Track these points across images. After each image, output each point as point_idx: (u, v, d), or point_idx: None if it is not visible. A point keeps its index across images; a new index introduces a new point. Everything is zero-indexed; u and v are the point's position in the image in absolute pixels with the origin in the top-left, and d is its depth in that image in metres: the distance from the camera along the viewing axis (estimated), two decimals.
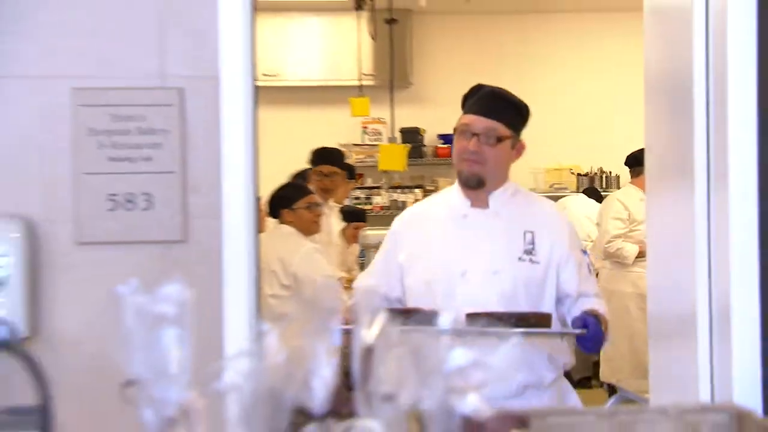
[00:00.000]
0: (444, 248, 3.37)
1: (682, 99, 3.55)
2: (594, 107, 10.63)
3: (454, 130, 3.70)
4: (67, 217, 3.69)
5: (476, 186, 3.50)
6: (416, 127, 10.86)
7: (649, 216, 4.57)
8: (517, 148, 3.64)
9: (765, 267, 3.11)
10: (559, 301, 3.63)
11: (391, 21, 10.62)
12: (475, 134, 3.46)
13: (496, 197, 3.52)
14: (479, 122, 3.48)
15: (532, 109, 10.95)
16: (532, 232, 3.40)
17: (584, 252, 3.73)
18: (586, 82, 10.85)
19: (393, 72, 10.92)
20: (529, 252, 3.31)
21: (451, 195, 3.74)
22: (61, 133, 3.69)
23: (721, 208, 3.24)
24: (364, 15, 9.58)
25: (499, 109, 3.53)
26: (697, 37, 3.35)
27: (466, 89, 11.52)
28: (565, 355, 3.63)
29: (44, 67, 3.74)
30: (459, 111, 10.59)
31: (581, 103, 10.86)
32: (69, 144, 3.68)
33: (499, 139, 3.45)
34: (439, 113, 11.02)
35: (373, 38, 11.02)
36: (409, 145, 9.91)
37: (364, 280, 3.89)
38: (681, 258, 3.71)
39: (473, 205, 3.53)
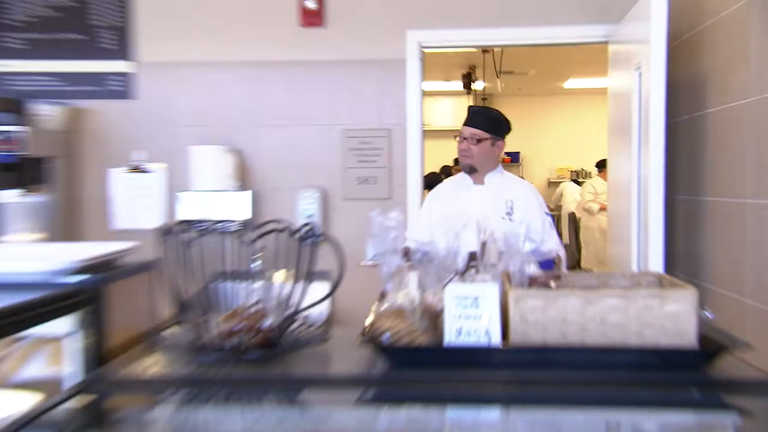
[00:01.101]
0: (453, 210, 3.05)
1: (627, 136, 3.66)
2: (582, 139, 10.56)
3: (455, 137, 3.36)
4: (338, 187, 4.30)
5: (470, 171, 3.26)
6: None
7: (609, 191, 4.66)
8: (497, 146, 3.27)
9: (667, 223, 3.23)
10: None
11: (484, 98, 11.08)
12: (464, 138, 3.23)
13: (490, 177, 3.24)
14: (466, 130, 3.22)
15: (556, 143, 11.73)
16: (512, 200, 3.14)
17: (548, 214, 3.38)
18: (578, 128, 10.75)
19: None
20: (509, 213, 3.10)
21: (462, 177, 3.38)
22: (337, 150, 4.29)
23: (644, 191, 3.34)
24: (471, 96, 10.26)
25: (479, 120, 3.23)
26: (634, 106, 3.49)
27: (522, 133, 11.53)
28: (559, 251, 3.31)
29: (330, 119, 4.30)
30: (514, 142, 10.43)
31: (575, 137, 10.91)
32: (340, 155, 4.28)
33: (479, 140, 3.18)
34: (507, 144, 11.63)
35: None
36: None
37: (411, 230, 3.39)
38: (624, 213, 3.80)
39: (475, 182, 3.27)
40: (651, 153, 3.25)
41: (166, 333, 1.37)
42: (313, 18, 4.29)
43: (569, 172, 11.39)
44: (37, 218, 3.88)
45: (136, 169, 4.25)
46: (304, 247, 1.35)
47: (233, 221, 4.00)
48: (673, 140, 3.28)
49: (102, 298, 1.23)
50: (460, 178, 3.41)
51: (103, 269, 1.32)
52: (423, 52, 4.35)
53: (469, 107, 3.61)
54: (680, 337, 1.16)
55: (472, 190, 3.27)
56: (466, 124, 3.28)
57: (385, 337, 1.21)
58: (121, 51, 4.35)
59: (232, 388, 1.22)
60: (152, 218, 4.15)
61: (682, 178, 3.50)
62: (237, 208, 4.13)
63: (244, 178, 4.31)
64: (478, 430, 1.16)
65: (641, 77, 3.43)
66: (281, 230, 1.38)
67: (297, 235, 1.36)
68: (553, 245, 3.26)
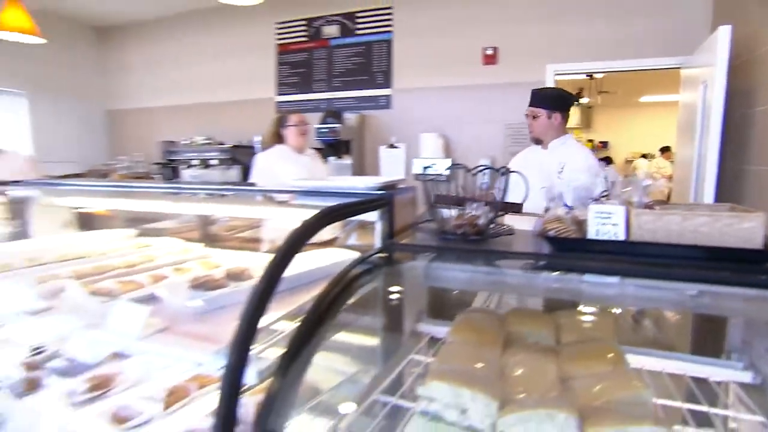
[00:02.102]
0: (526, 168, 1.92)
1: (692, 128, 3.16)
2: (648, 133, 9.23)
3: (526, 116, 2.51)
4: (501, 157, 4.02)
5: (535, 142, 2.45)
6: (591, 139, 10.13)
7: (676, 164, 4.12)
8: (554, 117, 2.36)
9: (718, 183, 2.84)
10: None
11: (589, 107, 9.73)
12: (528, 116, 2.40)
13: (552, 144, 2.38)
14: (528, 109, 2.40)
15: (632, 135, 10.08)
16: (564, 163, 2.32)
17: (601, 175, 1.90)
18: (647, 127, 9.45)
19: (589, 124, 10.14)
20: (560, 172, 2.31)
21: (535, 146, 2.47)
22: (500, 135, 4.06)
23: (703, 162, 2.95)
24: (579, 107, 9.19)
25: (534, 99, 2.39)
26: (699, 109, 3.01)
27: (611, 130, 10.34)
28: None
29: (497, 117, 4.06)
30: (605, 135, 9.42)
31: (644, 132, 9.53)
32: (502, 138, 4.05)
33: (535, 116, 2.37)
34: (600, 137, 10.14)
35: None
36: (590, 144, 9.50)
37: None
38: (686, 179, 3.38)
39: (542, 148, 2.41)
40: (710, 138, 2.79)
41: (422, 225, 1.37)
42: (490, 59, 4.10)
43: (640, 154, 9.97)
44: (344, 172, 4.10)
45: (391, 146, 4.29)
46: (502, 177, 1.25)
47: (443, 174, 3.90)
48: (728, 129, 2.82)
49: (392, 203, 1.25)
50: (534, 148, 2.59)
51: (390, 189, 1.33)
52: (555, 78, 3.98)
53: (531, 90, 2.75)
54: (751, 243, 0.99)
55: (539, 153, 2.48)
56: (529, 105, 2.46)
57: (552, 232, 1.14)
58: (386, 83, 4.46)
59: (459, 255, 1.20)
60: (399, 173, 4.20)
61: (732, 154, 2.96)
62: (444, 169, 4.06)
63: (447, 152, 4.23)
64: (605, 287, 1.09)
65: (706, 90, 2.92)
66: (491, 168, 1.30)
67: (500, 171, 1.27)
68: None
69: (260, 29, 4.88)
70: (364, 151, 4.49)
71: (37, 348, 1.46)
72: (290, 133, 2.82)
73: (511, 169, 1.27)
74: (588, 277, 1.15)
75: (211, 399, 1.19)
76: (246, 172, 4.36)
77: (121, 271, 1.35)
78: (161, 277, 1.24)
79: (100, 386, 1.21)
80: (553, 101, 2.37)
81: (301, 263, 1.31)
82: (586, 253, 1.12)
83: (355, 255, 1.31)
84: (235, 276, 1.16)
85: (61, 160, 5.42)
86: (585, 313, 1.18)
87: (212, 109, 5.21)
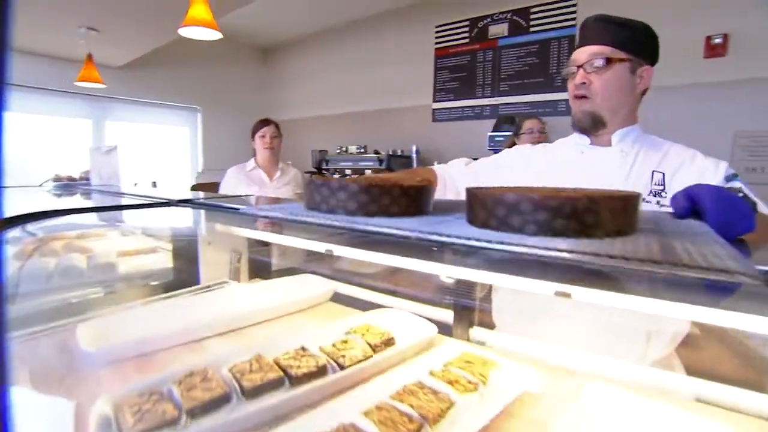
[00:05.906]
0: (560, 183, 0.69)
1: None
2: None
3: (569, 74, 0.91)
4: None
5: (592, 127, 0.89)
6: None
7: None
8: (641, 74, 0.85)
9: None
10: None
11: None
12: (579, 66, 0.86)
13: (622, 134, 0.89)
14: (581, 53, 0.86)
15: None
16: (662, 173, 0.83)
17: (732, 178, 0.81)
18: None
19: None
20: (657, 194, 0.81)
21: (575, 139, 0.96)
22: (724, 147, 2.72)
23: None
24: None
25: (603, 31, 0.83)
26: None
27: None
28: None
29: (713, 124, 2.81)
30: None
31: None
32: (729, 150, 2.70)
33: (609, 61, 0.82)
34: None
35: None
36: None
37: None
38: None
39: (592, 143, 0.92)
40: None
41: None
42: (716, 50, 2.78)
43: None
44: None
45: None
46: None
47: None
48: None
49: None
50: (574, 140, 0.97)
51: None
52: None
53: (586, 20, 0.89)
54: None
55: (587, 153, 0.93)
56: (581, 44, 0.88)
57: None
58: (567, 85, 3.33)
59: None
60: None
61: None
62: None
63: None
64: None
65: None
66: None
67: None
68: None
69: (416, 34, 4.10)
70: None
71: None
72: (522, 141, 2.45)
73: None
74: None
75: None
76: None
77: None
78: None
79: None
80: (645, 41, 0.89)
81: None
82: None
83: None
84: None
85: (225, 167, 5.19)
86: None
87: (366, 118, 4.55)
